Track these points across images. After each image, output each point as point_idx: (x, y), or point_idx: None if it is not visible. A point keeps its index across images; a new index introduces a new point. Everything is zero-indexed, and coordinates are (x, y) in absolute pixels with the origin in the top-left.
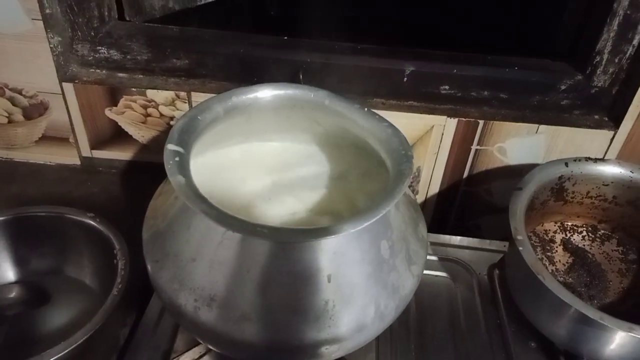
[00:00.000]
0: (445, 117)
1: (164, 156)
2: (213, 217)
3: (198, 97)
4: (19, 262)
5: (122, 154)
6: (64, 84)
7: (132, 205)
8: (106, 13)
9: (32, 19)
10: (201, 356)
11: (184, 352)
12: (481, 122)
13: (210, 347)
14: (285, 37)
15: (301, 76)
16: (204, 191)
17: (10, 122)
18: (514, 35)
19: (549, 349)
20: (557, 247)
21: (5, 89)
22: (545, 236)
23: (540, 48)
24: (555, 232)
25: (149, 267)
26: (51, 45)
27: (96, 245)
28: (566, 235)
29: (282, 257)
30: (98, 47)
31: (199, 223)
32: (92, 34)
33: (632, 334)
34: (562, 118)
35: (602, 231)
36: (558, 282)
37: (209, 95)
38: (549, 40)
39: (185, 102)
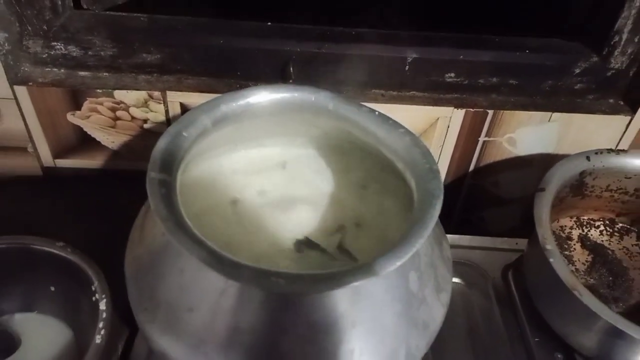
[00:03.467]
0: (452, 108)
1: (147, 187)
2: (216, 268)
3: (174, 97)
4: None
5: (90, 162)
6: (15, 87)
7: (105, 220)
8: (59, 2)
9: None
10: None
11: None
12: (490, 112)
13: None
14: (270, 23)
15: (291, 68)
16: (188, 211)
17: None
18: (523, 14)
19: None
20: (574, 244)
21: None
22: (561, 233)
23: (552, 27)
24: (571, 227)
25: (136, 315)
26: None
27: (69, 279)
28: (583, 230)
29: (299, 306)
30: (53, 43)
31: (195, 267)
32: (45, 27)
33: None
34: (575, 104)
35: (620, 224)
36: (595, 298)
37: (186, 94)
38: (562, 18)
39: (160, 103)
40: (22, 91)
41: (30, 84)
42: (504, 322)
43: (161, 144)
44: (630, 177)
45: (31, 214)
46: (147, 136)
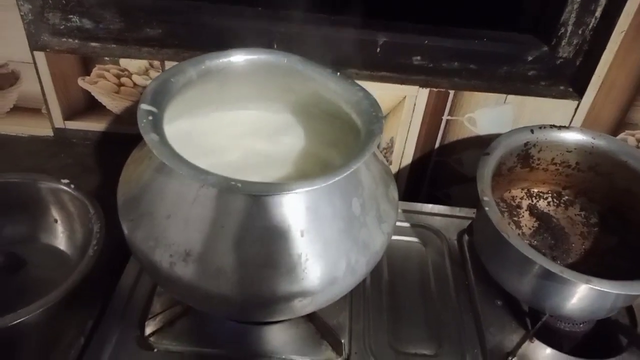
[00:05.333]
0: (417, 87)
1: (137, 115)
2: (188, 173)
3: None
4: None
5: (95, 125)
6: (35, 53)
7: (106, 177)
8: None
9: None
10: (177, 317)
11: (160, 313)
12: (452, 92)
13: (187, 304)
14: (260, 8)
15: (275, 46)
16: None
17: None
18: (483, 8)
19: (514, 306)
20: (523, 212)
21: None
22: (512, 202)
23: (508, 21)
24: (522, 198)
25: (124, 227)
26: (22, 14)
27: (71, 211)
28: (532, 201)
29: (256, 212)
30: (70, 16)
31: (173, 181)
32: (64, 1)
33: (591, 286)
34: (528, 88)
35: (566, 197)
36: (521, 239)
37: None
38: (517, 13)
39: (159, 71)
40: (40, 57)
41: (48, 50)
42: (452, 276)
43: (152, 84)
44: (571, 151)
45: (43, 167)
46: None
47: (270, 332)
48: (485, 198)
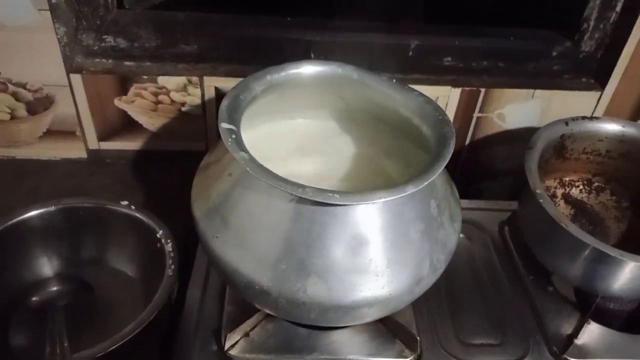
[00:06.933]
0: (450, 87)
1: (220, 134)
2: (286, 188)
3: (210, 82)
4: (62, 253)
5: (130, 144)
6: (71, 75)
7: (148, 193)
8: (110, 1)
9: (39, 10)
10: (252, 328)
11: (237, 325)
12: (482, 90)
13: (264, 314)
14: (289, 18)
15: (312, 54)
16: None
17: (13, 118)
18: (509, 8)
19: (563, 291)
20: (559, 201)
21: (8, 84)
22: (547, 192)
23: (533, 18)
24: (555, 187)
25: (209, 245)
26: (58, 36)
27: (134, 232)
28: (565, 189)
29: (345, 220)
30: (104, 36)
31: (260, 195)
32: (98, 22)
33: None
34: (554, 82)
35: (597, 183)
36: (578, 227)
37: (220, 79)
38: (541, 10)
39: (197, 87)
40: (76, 79)
41: (84, 72)
42: (502, 266)
43: (225, 103)
44: (602, 140)
45: (84, 188)
46: (184, 118)
47: (342, 336)
48: (538, 191)
